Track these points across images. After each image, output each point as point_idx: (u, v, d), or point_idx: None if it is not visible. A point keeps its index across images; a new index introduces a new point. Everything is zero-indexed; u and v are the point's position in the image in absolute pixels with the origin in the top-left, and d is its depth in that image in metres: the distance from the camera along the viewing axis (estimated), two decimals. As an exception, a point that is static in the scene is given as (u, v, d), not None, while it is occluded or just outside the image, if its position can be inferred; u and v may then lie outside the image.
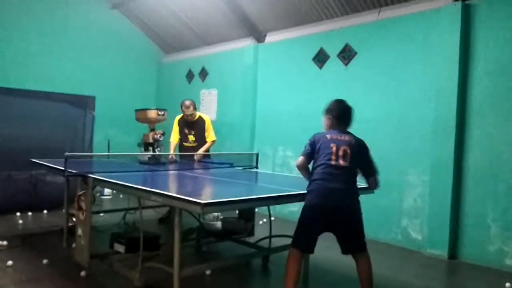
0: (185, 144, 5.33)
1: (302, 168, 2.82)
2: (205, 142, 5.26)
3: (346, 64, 5.42)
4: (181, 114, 5.32)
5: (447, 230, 4.28)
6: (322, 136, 2.79)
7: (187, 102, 5.18)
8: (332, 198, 2.65)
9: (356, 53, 5.31)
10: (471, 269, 4.03)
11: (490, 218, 4.09)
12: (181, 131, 5.32)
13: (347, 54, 5.41)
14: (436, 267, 4.07)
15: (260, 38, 6.72)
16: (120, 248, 3.25)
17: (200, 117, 5.31)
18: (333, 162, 2.66)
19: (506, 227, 3.98)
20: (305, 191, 2.75)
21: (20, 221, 5.16)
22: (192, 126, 5.28)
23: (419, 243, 4.60)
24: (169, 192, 2.71)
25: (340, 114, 2.84)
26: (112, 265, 3.27)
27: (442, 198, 4.33)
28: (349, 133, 2.83)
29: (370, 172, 2.83)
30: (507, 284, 3.52)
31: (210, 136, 5.28)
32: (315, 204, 2.66)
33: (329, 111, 2.88)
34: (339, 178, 2.68)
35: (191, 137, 5.28)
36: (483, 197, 4.16)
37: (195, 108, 5.22)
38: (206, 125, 5.27)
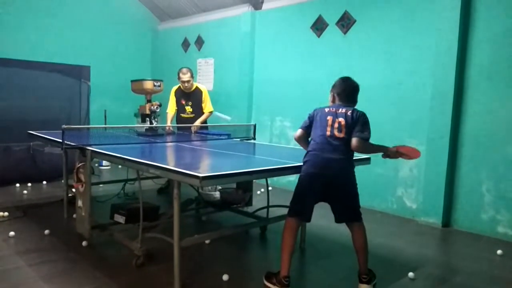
0: (182, 115, 5.31)
1: (300, 140, 2.92)
2: (203, 113, 5.24)
3: (345, 33, 5.33)
4: (178, 85, 5.27)
5: (442, 199, 4.35)
6: (321, 110, 2.85)
7: (184, 69, 5.14)
8: (327, 168, 2.70)
9: (355, 21, 5.21)
10: (464, 237, 4.13)
11: (484, 187, 4.16)
12: (178, 102, 5.29)
13: (346, 22, 5.31)
14: (429, 235, 4.17)
15: (257, 5, 6.56)
16: (120, 219, 3.32)
17: (197, 87, 5.27)
18: (328, 133, 2.71)
19: (500, 196, 4.05)
20: (302, 163, 2.77)
21: (20, 192, 5.21)
22: (189, 97, 5.24)
23: (413, 212, 4.69)
24: (167, 165, 2.72)
25: (341, 91, 2.86)
26: (113, 235, 3.34)
27: (437, 168, 4.37)
28: (349, 107, 2.79)
29: (356, 134, 2.71)
30: (499, 251, 3.62)
31: (208, 107, 5.26)
32: (310, 174, 2.71)
33: (333, 87, 2.93)
34: (334, 149, 2.71)
35: (188, 108, 5.25)
36: (478, 166, 4.21)
37: (192, 76, 5.16)
38: (203, 96, 5.23)
